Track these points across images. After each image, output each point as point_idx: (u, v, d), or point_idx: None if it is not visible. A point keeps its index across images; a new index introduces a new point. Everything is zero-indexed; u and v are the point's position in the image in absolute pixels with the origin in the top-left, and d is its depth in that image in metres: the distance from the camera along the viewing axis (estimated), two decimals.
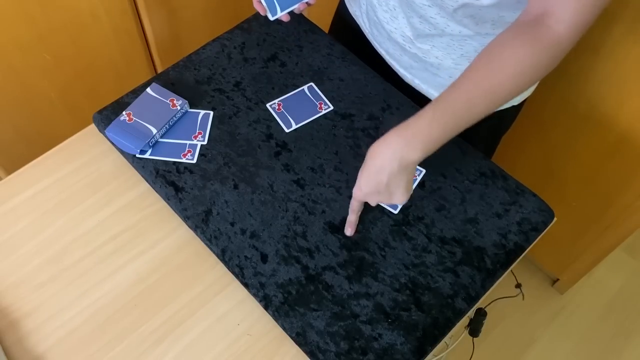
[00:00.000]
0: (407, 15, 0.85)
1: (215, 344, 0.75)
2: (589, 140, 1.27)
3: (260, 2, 0.88)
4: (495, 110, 0.72)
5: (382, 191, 0.74)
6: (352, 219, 0.81)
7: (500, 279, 0.81)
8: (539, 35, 0.67)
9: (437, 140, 0.70)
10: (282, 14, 0.89)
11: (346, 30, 1.06)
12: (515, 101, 0.96)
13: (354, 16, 1.03)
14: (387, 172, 0.72)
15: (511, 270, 1.03)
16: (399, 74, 0.99)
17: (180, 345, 0.75)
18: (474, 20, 0.79)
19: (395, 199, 0.75)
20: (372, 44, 1.01)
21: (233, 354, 0.75)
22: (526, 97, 0.98)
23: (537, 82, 0.86)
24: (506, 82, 0.69)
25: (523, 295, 1.15)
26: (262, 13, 0.90)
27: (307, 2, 0.89)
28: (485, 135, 1.03)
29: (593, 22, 0.67)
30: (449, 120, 0.70)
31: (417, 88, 0.97)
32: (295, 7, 0.89)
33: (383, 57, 0.99)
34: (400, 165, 0.71)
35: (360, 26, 1.02)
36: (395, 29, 0.89)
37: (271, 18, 0.89)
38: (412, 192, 0.78)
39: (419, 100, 0.95)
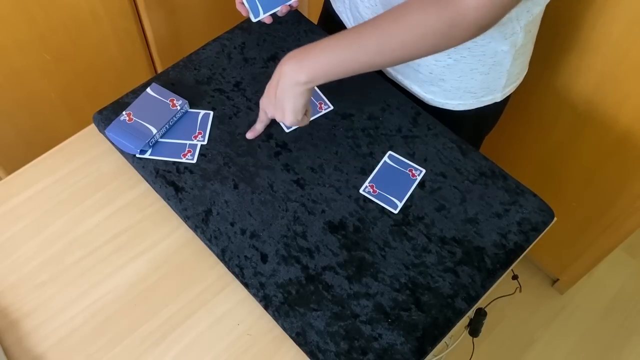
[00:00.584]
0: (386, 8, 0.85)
1: (215, 344, 0.75)
2: (589, 140, 1.27)
3: (243, 3, 0.89)
4: (391, 64, 0.75)
5: (275, 105, 0.80)
6: (257, 127, 0.88)
7: (500, 279, 0.81)
8: (448, 3, 0.66)
9: (325, 69, 0.74)
10: (264, 16, 0.90)
11: (332, 26, 1.06)
12: (497, 98, 0.96)
13: (337, 12, 1.03)
14: (276, 85, 0.78)
15: (511, 269, 1.02)
16: (384, 72, 1.00)
17: (180, 345, 0.75)
18: None
19: (286, 117, 0.80)
20: None
21: (233, 354, 0.75)
22: (508, 94, 0.97)
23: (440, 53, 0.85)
24: (399, 31, 0.70)
25: (520, 287, 1.14)
26: (244, 14, 0.91)
27: (290, 5, 0.89)
28: (468, 133, 1.03)
29: (508, 6, 0.66)
30: (340, 53, 0.73)
31: (401, 84, 0.98)
32: (277, 10, 0.89)
33: None
34: (286, 81, 0.76)
35: (344, 22, 1.02)
36: None
37: (253, 20, 0.89)
38: (302, 120, 0.81)
39: (408, 96, 0.96)
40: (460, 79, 0.90)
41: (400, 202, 0.84)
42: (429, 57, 0.88)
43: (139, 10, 1.31)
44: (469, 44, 0.84)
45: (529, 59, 0.96)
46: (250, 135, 0.89)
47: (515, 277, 1.11)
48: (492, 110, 0.99)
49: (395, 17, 0.70)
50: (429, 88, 0.94)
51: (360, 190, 0.85)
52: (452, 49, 0.84)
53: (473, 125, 1.02)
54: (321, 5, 1.13)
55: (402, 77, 0.97)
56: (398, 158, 0.88)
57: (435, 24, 0.68)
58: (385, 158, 0.88)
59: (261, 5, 0.88)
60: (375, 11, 0.88)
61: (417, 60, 0.89)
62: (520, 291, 1.21)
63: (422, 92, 0.95)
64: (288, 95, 0.77)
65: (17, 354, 0.74)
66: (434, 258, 0.80)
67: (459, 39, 0.70)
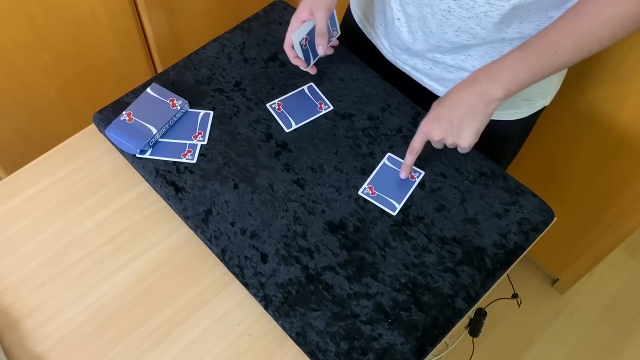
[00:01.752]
0: (436, 34, 0.83)
1: (215, 344, 0.75)
2: (589, 140, 1.27)
3: (297, 57, 0.90)
4: (583, 58, 0.72)
5: (455, 124, 0.74)
6: (408, 162, 0.81)
7: (500, 279, 0.81)
8: None
9: (521, 80, 0.72)
10: (314, 62, 0.94)
11: (357, 43, 1.02)
12: (547, 102, 0.94)
13: (368, 36, 1.00)
14: (467, 105, 0.73)
15: (508, 278, 1.03)
16: (429, 88, 0.96)
17: (180, 345, 0.75)
18: (519, 25, 0.76)
19: (464, 139, 0.75)
20: (392, 61, 0.98)
21: (233, 354, 0.75)
22: (554, 95, 0.95)
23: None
24: (594, 27, 0.68)
25: (519, 303, 1.15)
26: (302, 67, 0.92)
27: (332, 46, 0.93)
28: (516, 142, 1.02)
29: None
30: (534, 61, 0.71)
31: None
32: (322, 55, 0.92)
33: (407, 73, 0.96)
34: (481, 99, 0.72)
35: (377, 46, 0.99)
36: (424, 48, 0.87)
37: (308, 68, 0.93)
38: (476, 140, 0.78)
39: None
40: None
41: (399, 204, 0.84)
42: None
43: (139, 10, 1.31)
44: None
45: None
46: (403, 175, 0.84)
47: (515, 296, 1.11)
48: (539, 114, 0.97)
49: (589, 16, 0.68)
50: None
51: (359, 192, 0.85)
52: None
53: (522, 133, 1.00)
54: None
55: None
56: (397, 160, 0.88)
57: (633, 11, 0.66)
58: (384, 160, 0.88)
59: (312, 55, 0.92)
60: (415, 38, 0.86)
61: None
62: (520, 307, 1.21)
63: None
64: (478, 114, 0.74)
65: (17, 354, 0.74)
66: (434, 258, 0.80)
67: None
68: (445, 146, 0.81)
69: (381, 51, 0.99)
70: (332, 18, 0.89)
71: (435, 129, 0.78)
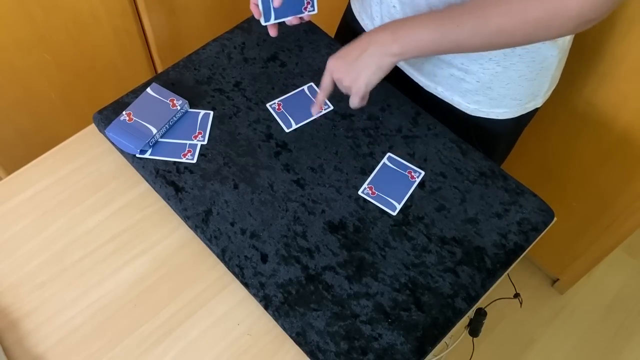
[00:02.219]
0: None
1: (215, 344, 0.75)
2: (588, 140, 1.27)
3: (257, 5, 0.88)
4: (482, 49, 0.74)
5: (353, 66, 0.77)
6: (320, 98, 0.84)
7: (500, 279, 0.81)
8: None
9: (419, 44, 0.74)
10: (275, 22, 0.90)
11: (355, 36, 1.04)
12: (538, 103, 0.94)
13: (363, 26, 1.01)
14: (367, 49, 0.76)
15: (509, 278, 1.03)
16: (419, 83, 0.96)
17: (180, 345, 0.75)
18: None
19: (357, 86, 0.78)
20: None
21: (233, 354, 0.75)
22: (547, 98, 0.96)
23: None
24: (501, 18, 0.69)
25: (521, 303, 1.15)
26: (256, 16, 0.90)
27: (301, 17, 0.90)
28: (507, 140, 1.02)
29: (613, 4, 0.65)
30: (434, 29, 0.73)
31: (440, 96, 0.95)
32: (288, 19, 0.90)
33: (400, 67, 0.97)
34: (380, 49, 0.75)
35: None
36: None
37: (263, 23, 0.90)
38: (363, 99, 0.81)
39: (441, 109, 0.94)
40: (507, 86, 0.88)
41: (399, 204, 0.84)
42: (477, 65, 0.86)
43: (139, 11, 1.31)
44: (520, 50, 0.82)
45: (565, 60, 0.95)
46: (315, 110, 0.87)
47: (517, 295, 1.12)
48: (530, 115, 0.97)
49: (497, 1, 0.69)
50: (474, 98, 0.91)
51: (359, 192, 0.85)
52: (503, 56, 0.83)
53: (512, 132, 1.01)
54: (322, 6, 1.13)
55: (444, 88, 0.94)
56: (397, 160, 0.88)
57: (537, 12, 0.67)
58: (384, 160, 0.88)
59: (274, 11, 0.89)
60: None
61: (465, 69, 0.87)
62: (521, 306, 1.21)
63: (465, 102, 0.93)
64: (372, 62, 0.76)
65: (17, 354, 0.74)
66: (434, 258, 0.80)
67: (557, 31, 0.69)
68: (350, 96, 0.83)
69: None
70: None
71: (338, 67, 0.80)
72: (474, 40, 0.72)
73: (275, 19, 0.89)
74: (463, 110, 0.94)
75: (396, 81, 0.96)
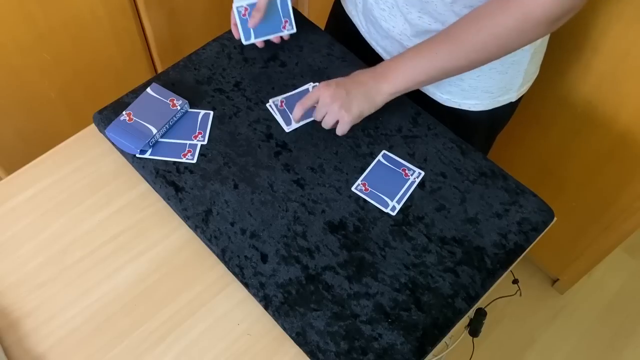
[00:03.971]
0: (403, 12, 0.86)
1: (215, 344, 0.75)
2: (588, 140, 1.27)
3: (236, 25, 0.93)
4: (468, 68, 0.79)
5: (349, 97, 0.82)
6: (303, 103, 0.86)
7: (500, 279, 0.81)
8: (516, 2, 0.69)
9: (408, 79, 0.81)
10: (254, 41, 0.95)
11: (341, 30, 1.06)
12: (512, 97, 0.96)
13: (349, 15, 1.03)
14: (364, 87, 0.82)
15: (512, 273, 1.02)
16: None
17: (180, 345, 0.75)
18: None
19: (348, 113, 0.83)
20: (369, 43, 1.01)
21: (233, 354, 0.75)
22: (523, 93, 0.97)
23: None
24: (474, 38, 0.74)
25: (520, 292, 1.14)
26: (236, 37, 0.95)
27: (282, 37, 0.95)
28: (483, 134, 1.03)
29: (575, 6, 0.67)
30: (418, 62, 0.79)
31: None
32: (270, 37, 0.95)
33: (381, 55, 1.00)
34: (375, 89, 0.82)
35: (357, 25, 1.02)
36: (393, 26, 0.90)
37: (244, 43, 0.95)
38: (357, 121, 0.86)
39: (417, 98, 0.95)
40: (478, 78, 0.90)
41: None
42: None
43: (139, 10, 1.31)
44: None
45: (542, 57, 0.96)
46: (296, 115, 0.88)
47: (515, 281, 1.11)
48: (507, 110, 0.99)
49: (466, 23, 0.74)
50: (447, 88, 0.94)
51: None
52: None
53: (488, 125, 1.02)
54: (321, 6, 1.13)
55: None
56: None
57: (505, 23, 0.70)
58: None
59: (253, 32, 0.94)
60: (392, 13, 0.88)
61: None
62: (521, 295, 1.21)
63: (439, 92, 0.95)
64: (368, 99, 0.82)
65: (17, 354, 0.74)
66: (434, 258, 0.80)
67: (532, 35, 0.72)
68: (325, 127, 0.87)
69: (359, 30, 1.01)
70: (284, 5, 0.92)
71: (332, 91, 0.83)
72: (458, 64, 0.78)
73: (255, 38, 0.94)
74: (437, 100, 0.97)
75: None
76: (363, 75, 0.84)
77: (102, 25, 1.27)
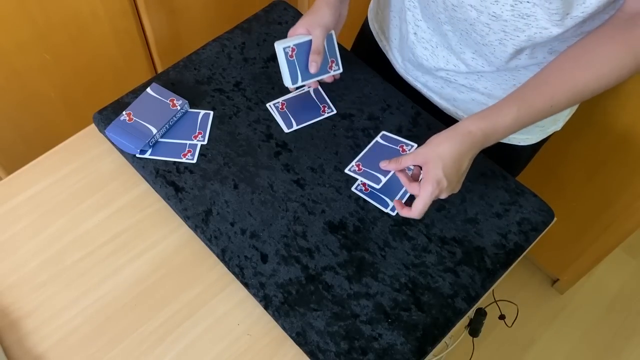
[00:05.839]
0: (456, 52, 0.81)
1: (215, 344, 0.75)
2: (588, 140, 1.27)
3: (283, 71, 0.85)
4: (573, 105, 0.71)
5: (456, 181, 0.73)
6: (391, 167, 0.77)
7: (500, 279, 0.81)
8: (630, 36, 0.64)
9: (512, 133, 0.72)
10: (300, 84, 0.87)
11: (371, 55, 1.01)
12: (559, 127, 0.92)
13: (382, 49, 1.00)
14: (468, 163, 0.73)
15: (496, 303, 1.03)
16: (438, 105, 0.95)
17: (180, 345, 0.75)
18: (532, 52, 0.75)
19: (458, 187, 0.75)
20: (406, 79, 0.97)
21: (233, 354, 0.75)
22: (566, 120, 0.94)
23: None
24: (591, 81, 0.67)
25: (514, 320, 1.16)
26: (285, 84, 0.87)
27: (334, 76, 0.88)
28: (523, 164, 1.02)
29: None
30: (529, 117, 0.70)
31: (459, 118, 0.93)
32: (317, 79, 0.88)
33: (419, 90, 0.96)
34: (476, 152, 0.72)
35: (390, 60, 0.98)
36: (436, 65, 0.86)
37: (291, 87, 0.88)
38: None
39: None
40: None
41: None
42: (501, 91, 0.84)
43: (139, 10, 1.31)
44: None
45: None
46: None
47: (502, 317, 1.13)
48: (547, 139, 0.96)
49: (586, 67, 0.67)
50: None
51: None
52: None
53: (530, 156, 1.00)
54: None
55: (464, 113, 0.92)
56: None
57: (622, 62, 0.66)
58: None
59: (301, 74, 0.86)
60: (435, 53, 0.84)
61: (488, 93, 0.85)
62: (510, 326, 1.23)
63: None
64: (463, 174, 0.74)
65: (17, 354, 0.74)
66: (434, 258, 0.80)
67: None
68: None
69: (394, 66, 0.98)
70: (330, 44, 0.86)
71: (443, 191, 0.73)
72: (566, 106, 0.70)
73: (302, 81, 0.86)
74: None
75: (420, 104, 0.94)
76: (465, 154, 0.71)
77: (102, 25, 1.27)
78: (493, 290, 0.84)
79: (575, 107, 0.94)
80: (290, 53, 0.83)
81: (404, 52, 0.92)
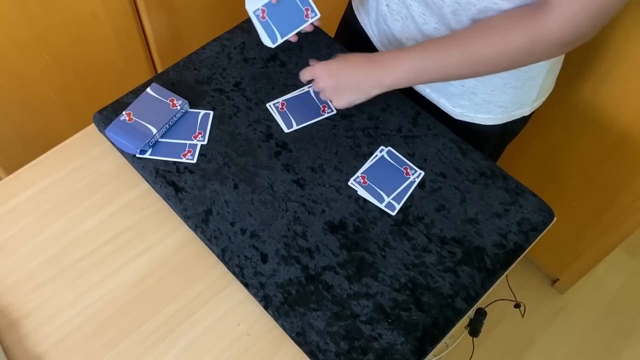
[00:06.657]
0: (418, 23, 0.84)
1: (215, 344, 0.75)
2: (588, 140, 1.27)
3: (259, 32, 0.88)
4: (471, 76, 0.79)
5: (339, 87, 0.82)
6: (302, 76, 0.87)
7: (500, 279, 0.81)
8: (532, 21, 0.68)
9: (409, 77, 0.79)
10: (282, 41, 0.89)
11: (353, 37, 1.04)
12: (526, 112, 0.95)
13: (362, 24, 1.02)
14: (358, 79, 0.81)
15: (511, 290, 1.03)
16: (415, 88, 0.97)
17: (180, 345, 0.75)
18: None
19: (337, 101, 0.83)
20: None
21: (233, 354, 0.75)
22: (536, 107, 0.96)
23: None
24: (484, 50, 0.72)
25: (523, 312, 1.16)
26: (265, 43, 0.90)
27: (311, 24, 0.89)
28: (493, 146, 1.02)
29: (594, 27, 0.66)
30: (423, 64, 0.77)
31: (428, 97, 0.96)
32: (298, 31, 0.89)
33: None
34: (371, 81, 0.80)
35: (369, 35, 1.00)
36: (407, 37, 0.89)
37: (272, 46, 0.90)
38: (349, 105, 0.85)
39: (429, 110, 0.94)
40: (492, 92, 0.88)
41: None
42: None
43: (139, 11, 1.31)
44: None
45: (558, 73, 0.95)
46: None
47: (517, 306, 1.13)
48: (519, 123, 0.97)
49: (479, 33, 0.73)
50: (459, 101, 0.92)
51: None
52: None
53: (499, 138, 1.01)
54: (323, 8, 1.13)
55: (430, 90, 0.95)
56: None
57: (518, 41, 0.70)
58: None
59: (278, 31, 0.88)
60: (405, 25, 0.87)
61: None
62: (523, 317, 1.22)
63: (451, 105, 0.94)
64: (361, 89, 0.82)
65: (17, 354, 0.74)
66: (434, 258, 0.80)
67: (541, 56, 0.72)
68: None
69: (372, 40, 1.00)
70: None
71: (324, 79, 0.83)
72: (460, 70, 0.76)
73: (282, 37, 0.89)
74: (449, 113, 0.95)
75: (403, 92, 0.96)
76: (361, 62, 0.81)
77: (102, 26, 1.27)
78: (509, 284, 0.85)
79: (543, 92, 0.95)
80: (261, 15, 0.86)
81: (380, 24, 0.94)
